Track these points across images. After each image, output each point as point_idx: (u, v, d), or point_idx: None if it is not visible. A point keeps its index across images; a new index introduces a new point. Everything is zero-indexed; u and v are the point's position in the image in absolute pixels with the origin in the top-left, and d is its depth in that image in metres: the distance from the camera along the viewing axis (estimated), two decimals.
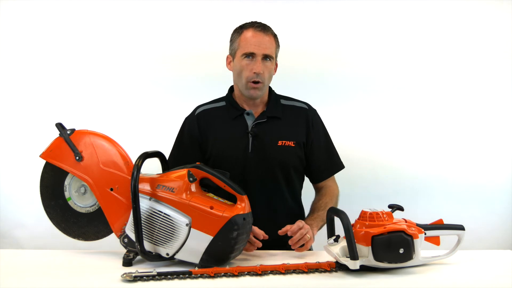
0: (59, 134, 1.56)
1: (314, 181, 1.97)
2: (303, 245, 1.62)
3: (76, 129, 1.57)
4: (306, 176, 1.97)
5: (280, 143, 1.83)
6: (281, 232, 1.61)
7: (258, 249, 1.65)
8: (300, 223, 1.63)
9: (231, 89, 1.96)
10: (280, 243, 1.66)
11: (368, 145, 2.67)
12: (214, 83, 2.69)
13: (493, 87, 2.73)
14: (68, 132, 1.55)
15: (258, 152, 1.82)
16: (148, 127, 2.72)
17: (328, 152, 1.94)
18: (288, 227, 1.61)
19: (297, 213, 1.92)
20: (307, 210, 1.92)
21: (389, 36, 2.75)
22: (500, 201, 2.72)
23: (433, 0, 2.71)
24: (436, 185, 2.72)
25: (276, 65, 1.90)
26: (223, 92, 2.04)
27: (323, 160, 1.93)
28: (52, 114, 2.49)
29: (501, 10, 2.71)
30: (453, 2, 2.71)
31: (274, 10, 2.60)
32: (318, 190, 1.96)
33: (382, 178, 2.63)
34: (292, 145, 1.84)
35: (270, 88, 1.93)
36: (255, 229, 1.60)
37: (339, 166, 1.97)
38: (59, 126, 1.57)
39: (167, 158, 1.66)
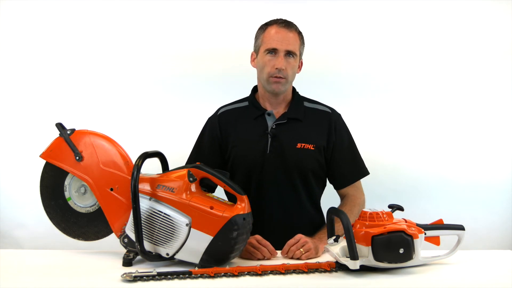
0: (59, 134, 1.56)
1: (337, 187, 1.92)
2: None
3: (76, 129, 1.57)
4: (330, 183, 1.93)
5: (299, 145, 1.80)
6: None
7: None
8: (297, 237, 1.61)
9: (254, 89, 1.94)
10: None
11: (368, 145, 2.67)
12: (215, 83, 2.72)
13: (493, 87, 2.74)
14: (68, 132, 1.55)
15: (276, 153, 1.80)
16: (148, 127, 2.72)
17: (351, 158, 1.90)
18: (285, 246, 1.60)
19: (314, 217, 1.88)
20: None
21: (388, 37, 2.75)
22: (500, 201, 2.72)
23: (434, 1, 2.71)
24: (436, 185, 2.72)
25: (301, 63, 1.87)
26: (226, 92, 2.04)
27: (345, 166, 1.88)
28: (52, 114, 2.49)
29: (501, 10, 2.71)
30: (454, 2, 2.72)
31: (281, 10, 2.60)
32: (341, 198, 1.92)
33: (382, 178, 2.63)
34: (312, 148, 1.81)
35: (294, 89, 1.91)
36: (264, 240, 1.59)
37: (364, 172, 1.92)
38: (59, 126, 1.57)
39: (167, 158, 1.66)
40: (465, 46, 2.73)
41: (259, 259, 1.57)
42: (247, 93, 1.95)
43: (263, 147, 1.81)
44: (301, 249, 1.58)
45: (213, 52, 2.72)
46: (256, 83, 1.92)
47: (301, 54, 1.84)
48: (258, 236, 1.61)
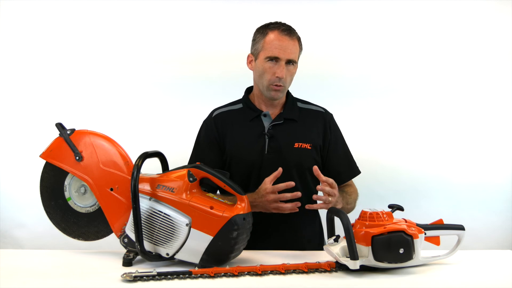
0: (59, 134, 1.56)
1: None
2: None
3: (76, 129, 1.57)
4: None
5: (296, 145, 1.82)
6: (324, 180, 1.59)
7: (260, 249, 1.65)
8: (334, 183, 1.61)
9: (247, 90, 1.94)
10: (294, 244, 1.67)
11: (368, 145, 2.68)
12: (214, 84, 2.73)
13: (493, 87, 2.74)
14: (68, 132, 1.55)
15: (275, 154, 1.81)
16: (148, 127, 2.72)
17: (345, 157, 1.92)
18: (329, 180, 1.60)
19: (312, 216, 1.89)
20: (322, 215, 1.91)
21: (388, 39, 2.76)
22: (500, 201, 2.72)
23: (434, 3, 2.71)
24: (436, 185, 2.72)
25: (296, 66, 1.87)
26: (225, 93, 2.03)
27: (341, 165, 1.90)
28: (52, 114, 2.49)
29: (501, 10, 2.71)
30: (453, 4, 2.72)
31: (280, 12, 2.60)
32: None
33: (382, 178, 2.64)
34: (309, 147, 1.82)
35: (287, 90, 1.91)
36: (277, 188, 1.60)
37: (356, 171, 1.94)
38: (59, 126, 1.57)
39: (167, 158, 1.66)
40: (464, 47, 2.73)
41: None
42: None
43: (261, 148, 1.81)
44: (330, 198, 1.58)
45: (212, 54, 2.73)
46: (251, 84, 1.91)
47: (298, 59, 1.84)
48: (269, 189, 1.61)
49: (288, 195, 1.60)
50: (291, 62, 1.77)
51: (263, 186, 1.64)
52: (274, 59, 1.75)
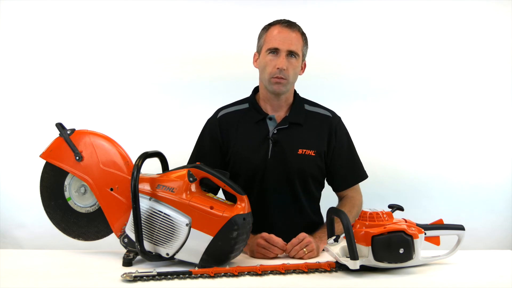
0: (59, 134, 1.56)
1: (336, 189, 1.93)
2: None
3: (76, 129, 1.57)
4: (329, 184, 1.94)
5: (300, 151, 1.80)
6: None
7: None
8: (300, 236, 1.62)
9: (255, 90, 1.93)
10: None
11: (368, 145, 2.67)
12: (214, 84, 2.73)
13: (493, 87, 2.74)
14: (68, 132, 1.55)
15: (278, 159, 1.79)
16: (148, 127, 2.72)
17: (351, 161, 1.90)
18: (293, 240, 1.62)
19: (314, 220, 1.88)
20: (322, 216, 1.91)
21: (388, 40, 2.75)
22: (500, 201, 2.72)
23: (435, 4, 2.71)
24: (436, 185, 2.72)
25: (305, 64, 1.86)
26: (226, 93, 2.03)
27: (346, 169, 1.88)
28: (52, 114, 2.49)
29: (501, 10, 2.71)
30: (454, 5, 2.72)
31: (282, 13, 2.60)
32: (339, 199, 1.93)
33: (382, 178, 2.63)
34: (313, 154, 1.81)
35: (295, 91, 1.90)
36: (273, 237, 1.61)
37: (363, 176, 1.92)
38: (59, 126, 1.57)
39: (167, 158, 1.66)
40: (465, 46, 2.73)
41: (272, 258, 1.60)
42: (246, 95, 1.94)
43: (265, 152, 1.80)
44: (304, 249, 1.59)
45: (212, 54, 2.72)
46: (257, 84, 1.91)
47: (304, 55, 1.83)
48: (265, 235, 1.62)
49: (278, 252, 1.60)
50: (293, 55, 1.76)
51: (265, 233, 1.64)
52: (275, 50, 1.75)
